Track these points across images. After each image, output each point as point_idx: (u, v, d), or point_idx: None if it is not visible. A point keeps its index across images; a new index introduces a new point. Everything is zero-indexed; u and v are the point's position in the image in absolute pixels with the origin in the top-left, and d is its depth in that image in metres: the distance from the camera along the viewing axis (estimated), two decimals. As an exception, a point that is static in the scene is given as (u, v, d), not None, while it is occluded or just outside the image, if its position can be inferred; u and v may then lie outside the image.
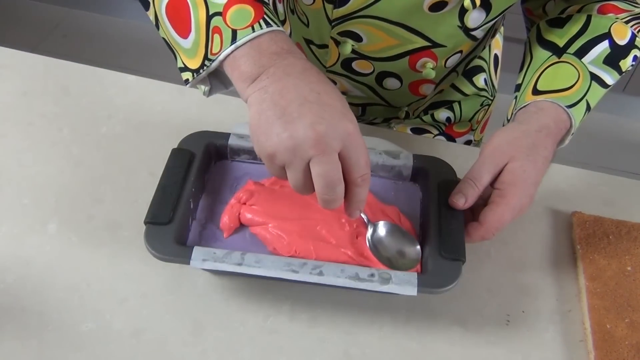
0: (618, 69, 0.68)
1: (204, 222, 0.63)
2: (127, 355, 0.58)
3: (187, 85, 0.57)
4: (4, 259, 0.63)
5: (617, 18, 0.69)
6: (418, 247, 0.60)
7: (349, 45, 0.74)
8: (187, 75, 0.57)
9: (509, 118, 0.70)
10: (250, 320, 0.61)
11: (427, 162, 0.66)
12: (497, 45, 0.93)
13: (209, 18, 0.54)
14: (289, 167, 0.50)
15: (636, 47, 0.69)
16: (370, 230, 0.61)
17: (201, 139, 0.66)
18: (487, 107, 0.93)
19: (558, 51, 0.68)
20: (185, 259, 0.55)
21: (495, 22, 0.74)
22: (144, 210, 0.59)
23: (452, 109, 0.90)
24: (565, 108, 0.63)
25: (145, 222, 0.58)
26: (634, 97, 2.06)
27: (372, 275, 0.55)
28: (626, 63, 0.68)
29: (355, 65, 0.78)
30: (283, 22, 0.84)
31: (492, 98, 0.93)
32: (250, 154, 0.67)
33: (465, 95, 0.90)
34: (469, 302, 0.64)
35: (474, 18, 0.69)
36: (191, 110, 0.80)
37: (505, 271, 0.67)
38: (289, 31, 0.82)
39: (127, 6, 2.27)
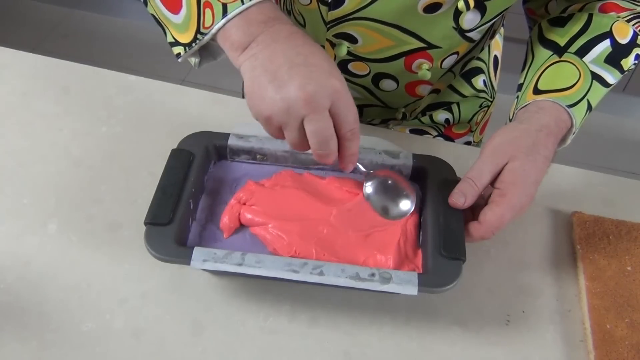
0: (619, 68, 0.68)
1: (204, 223, 0.63)
2: (127, 355, 0.58)
3: (179, 59, 0.60)
4: (4, 259, 0.63)
5: (618, 17, 0.68)
6: (411, 199, 0.63)
7: (344, 47, 0.74)
8: (178, 49, 0.60)
9: (510, 118, 0.70)
10: (250, 320, 0.61)
11: (426, 161, 0.66)
12: (497, 46, 0.93)
13: None
14: (285, 127, 0.54)
15: (638, 45, 0.68)
16: (368, 182, 0.63)
17: (201, 140, 0.66)
18: (486, 108, 0.93)
19: (559, 50, 0.68)
20: (186, 259, 0.55)
21: (493, 23, 0.74)
22: (144, 210, 0.59)
23: (450, 110, 0.90)
24: (566, 107, 0.63)
25: (145, 223, 0.58)
26: (634, 97, 2.06)
27: (373, 274, 0.55)
28: (628, 62, 0.68)
29: (351, 67, 0.78)
30: None
31: (491, 99, 0.93)
32: (250, 154, 0.67)
33: (464, 96, 0.90)
34: (469, 302, 0.64)
35: (469, 20, 0.69)
36: (191, 110, 0.80)
37: (505, 271, 0.67)
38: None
39: (127, 6, 2.27)
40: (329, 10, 0.70)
